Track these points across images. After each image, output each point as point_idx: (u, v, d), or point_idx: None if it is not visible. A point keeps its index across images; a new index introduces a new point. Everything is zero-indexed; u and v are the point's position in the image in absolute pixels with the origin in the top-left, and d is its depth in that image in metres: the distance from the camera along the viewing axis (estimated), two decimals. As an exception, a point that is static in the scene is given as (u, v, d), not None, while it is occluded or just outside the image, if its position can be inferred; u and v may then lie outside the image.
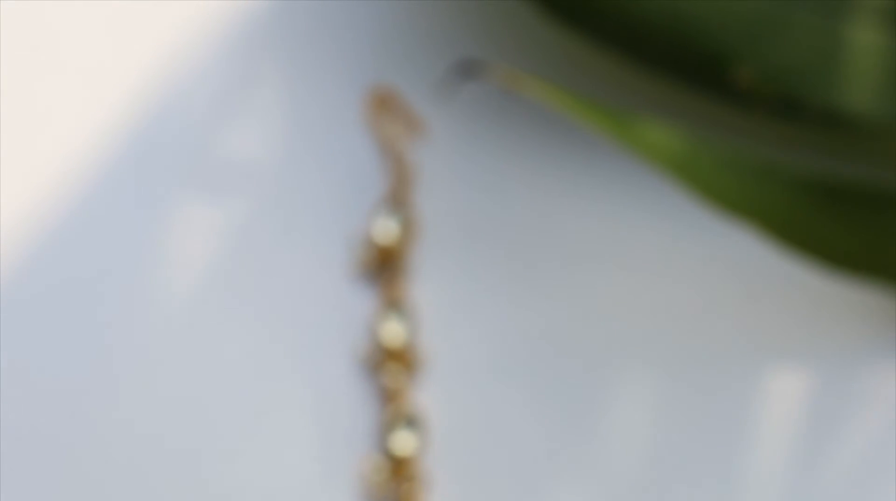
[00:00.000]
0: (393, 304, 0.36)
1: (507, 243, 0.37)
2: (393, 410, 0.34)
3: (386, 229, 0.36)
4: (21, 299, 0.37)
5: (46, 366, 0.36)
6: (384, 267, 0.36)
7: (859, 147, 0.38)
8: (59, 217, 0.37)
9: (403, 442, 0.34)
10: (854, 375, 0.38)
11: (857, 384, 0.37)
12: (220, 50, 0.39)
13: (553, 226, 0.38)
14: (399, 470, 0.34)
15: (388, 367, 0.35)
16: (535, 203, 0.38)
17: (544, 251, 0.38)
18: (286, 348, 0.36)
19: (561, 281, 0.37)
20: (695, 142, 0.33)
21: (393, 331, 0.35)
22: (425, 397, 0.36)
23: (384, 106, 0.37)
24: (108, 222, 0.37)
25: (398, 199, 0.36)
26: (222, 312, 0.36)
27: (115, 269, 0.37)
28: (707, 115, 0.39)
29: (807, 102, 0.36)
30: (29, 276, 0.37)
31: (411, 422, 0.34)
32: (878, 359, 0.38)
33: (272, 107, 0.38)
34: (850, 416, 0.37)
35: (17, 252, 0.37)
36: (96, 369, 0.36)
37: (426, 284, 0.37)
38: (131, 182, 0.38)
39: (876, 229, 0.35)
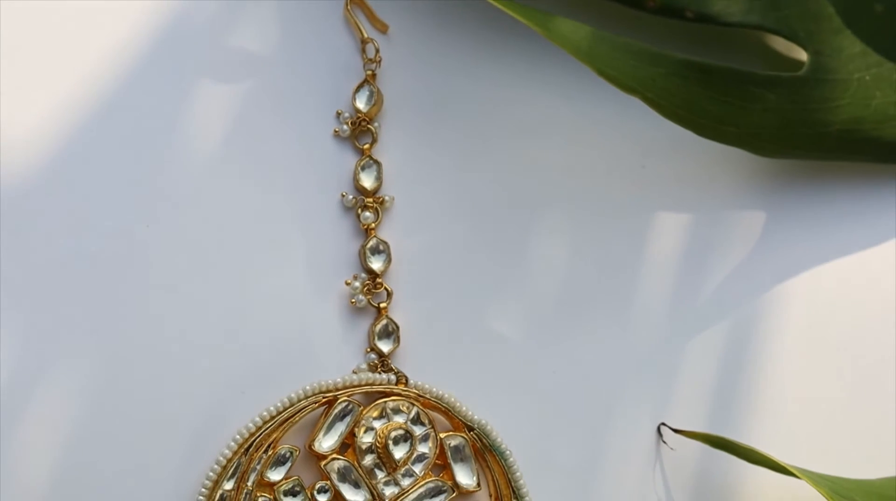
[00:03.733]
0: (366, 158, 0.41)
1: (457, 114, 0.42)
2: (367, 242, 0.40)
3: (362, 104, 0.41)
4: (77, 161, 0.40)
5: (94, 212, 0.40)
6: (361, 133, 0.42)
7: (723, 40, 0.43)
8: (106, 95, 0.41)
9: (375, 265, 0.40)
10: (724, 216, 0.43)
11: (727, 224, 0.43)
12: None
13: (492, 102, 0.42)
14: (372, 285, 0.40)
15: (365, 209, 0.41)
16: (479, 85, 0.42)
17: (485, 122, 0.42)
18: (286, 195, 0.41)
19: (498, 145, 0.42)
20: (598, 33, 0.39)
21: (368, 182, 0.41)
22: (392, 232, 0.41)
23: (359, 9, 0.42)
24: (142, 100, 0.41)
25: (371, 81, 0.42)
26: (234, 170, 0.41)
27: (148, 137, 0.41)
28: (615, 16, 0.43)
29: (687, 8, 0.42)
30: (77, 143, 0.41)
31: (381, 250, 0.41)
32: (742, 204, 0.43)
33: (274, 10, 0.42)
34: (721, 249, 0.43)
35: (66, 124, 0.41)
36: (135, 212, 0.40)
37: (393, 146, 0.42)
38: (160, 70, 0.41)
39: (735, 101, 0.41)
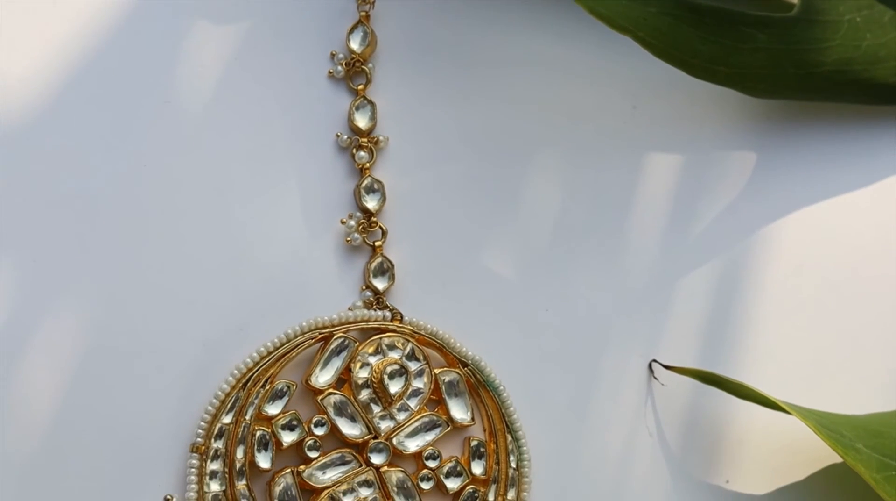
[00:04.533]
0: (360, 98, 0.42)
1: (451, 55, 0.43)
2: (362, 181, 0.41)
3: (357, 45, 0.42)
4: (74, 102, 0.41)
5: (91, 152, 0.40)
6: (355, 74, 0.42)
7: None
8: (102, 36, 0.41)
9: (370, 204, 0.41)
10: (714, 157, 0.44)
11: (717, 164, 0.44)
12: None
13: (486, 43, 0.43)
14: (367, 224, 0.41)
15: (359, 149, 0.41)
16: (473, 26, 0.43)
17: (479, 63, 0.43)
18: (281, 136, 0.41)
19: (491, 86, 0.43)
20: None
21: (363, 122, 0.41)
22: (386, 172, 0.42)
23: None
24: (138, 41, 0.41)
25: (365, 22, 0.42)
26: (229, 111, 0.41)
27: (143, 78, 0.41)
28: None
29: None
30: (79, 86, 0.41)
31: (375, 189, 0.41)
32: (732, 144, 0.44)
33: None
34: (711, 189, 0.43)
35: (63, 65, 0.41)
36: (131, 153, 0.41)
37: (387, 87, 0.42)
38: (156, 12, 0.42)
39: (726, 41, 0.41)
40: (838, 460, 0.42)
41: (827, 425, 0.39)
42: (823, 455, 0.42)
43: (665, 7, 0.40)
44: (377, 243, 0.41)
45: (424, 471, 0.39)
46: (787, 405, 0.39)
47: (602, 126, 0.43)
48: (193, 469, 0.38)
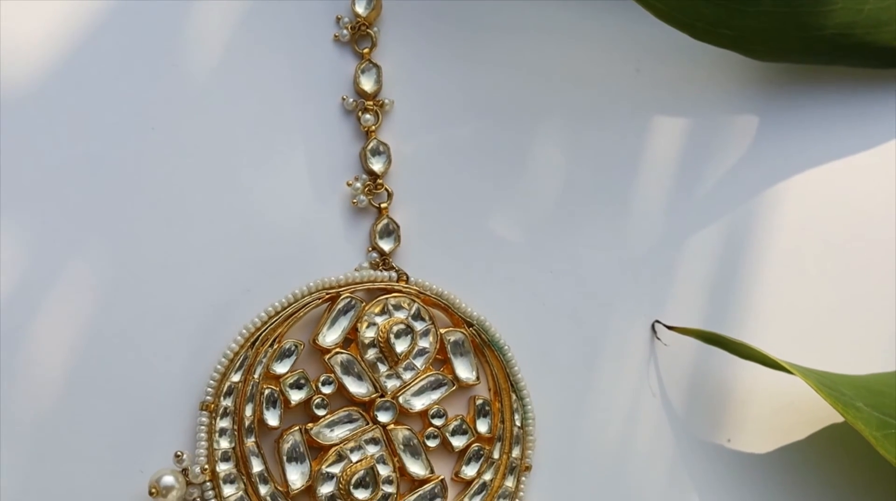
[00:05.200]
0: (365, 61, 0.42)
1: (455, 19, 0.43)
2: (368, 144, 0.41)
3: (362, 8, 0.42)
4: (82, 66, 0.41)
5: (100, 117, 0.41)
6: (361, 38, 0.42)
7: None
8: (110, 2, 0.43)
9: (376, 166, 0.41)
10: (718, 120, 0.44)
11: (721, 127, 0.44)
12: None
13: (491, 8, 0.43)
14: (373, 186, 0.41)
15: (365, 112, 0.42)
16: None
17: (484, 28, 0.43)
18: (288, 100, 0.42)
19: (496, 51, 0.43)
20: None
21: (368, 85, 0.42)
22: (391, 134, 0.43)
23: None
24: (146, 8, 0.42)
25: None
26: (237, 75, 0.42)
27: (151, 44, 0.42)
28: None
29: None
30: (82, 51, 0.41)
31: (381, 152, 0.42)
32: (736, 108, 0.44)
33: None
34: (715, 152, 0.44)
35: (71, 30, 0.41)
36: (141, 117, 0.41)
37: (392, 50, 0.43)
38: None
39: (729, 3, 0.41)
40: (839, 419, 0.42)
41: (828, 384, 0.40)
42: (824, 414, 0.42)
43: (668, -30, 0.41)
44: (383, 205, 0.41)
45: (430, 429, 0.40)
46: (788, 364, 0.39)
47: (606, 90, 0.44)
48: (203, 427, 0.38)
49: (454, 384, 0.40)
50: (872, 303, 0.44)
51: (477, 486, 0.40)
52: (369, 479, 0.39)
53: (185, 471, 0.38)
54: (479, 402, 0.40)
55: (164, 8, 0.42)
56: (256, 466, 0.39)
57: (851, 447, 0.42)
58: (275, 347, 0.39)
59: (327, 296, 0.40)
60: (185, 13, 0.42)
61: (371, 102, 0.42)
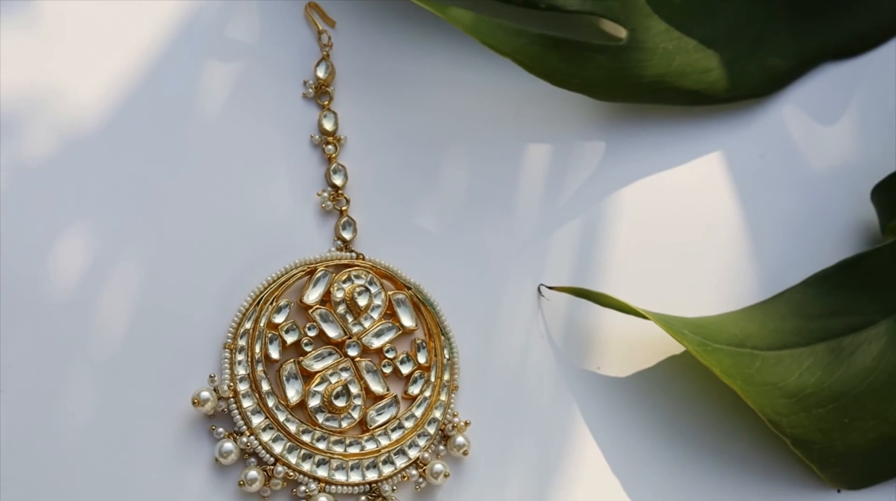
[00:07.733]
0: (326, 110, 0.49)
1: (388, 78, 0.50)
2: (331, 166, 0.49)
3: (322, 73, 0.50)
4: (129, 121, 0.47)
5: (142, 146, 0.47)
6: (321, 94, 0.50)
7: (567, 21, 0.52)
8: (150, 74, 0.49)
9: (337, 181, 0.49)
10: (576, 145, 0.51)
11: (578, 150, 0.51)
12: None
13: (412, 70, 0.51)
14: (335, 195, 0.48)
15: (327, 145, 0.49)
16: (403, 58, 0.51)
17: (407, 83, 0.50)
18: (273, 137, 0.48)
19: (417, 99, 0.50)
20: (480, 16, 0.47)
21: (329, 126, 0.49)
22: (347, 159, 0.49)
23: (314, 10, 0.50)
24: (162, 83, 0.48)
25: (326, 59, 0.50)
26: (234, 120, 0.48)
27: (167, 104, 0.48)
28: (492, 7, 0.51)
29: (541, 1, 0.50)
30: (130, 112, 0.47)
31: (340, 171, 0.49)
32: (588, 135, 0.51)
33: (255, 11, 0.50)
34: (574, 168, 0.51)
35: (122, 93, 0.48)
36: (171, 147, 0.47)
37: (345, 102, 0.50)
38: (173, 56, 0.49)
39: (577, 61, 0.49)
40: (679, 350, 0.48)
41: (672, 324, 0.46)
42: (668, 347, 0.48)
43: (534, 39, 0.48)
44: (343, 209, 0.48)
45: (385, 361, 0.47)
46: (642, 310, 0.45)
47: (495, 125, 0.50)
48: (226, 360, 0.46)
49: (400, 330, 0.47)
50: (697, 264, 0.50)
51: (420, 400, 0.48)
52: (344, 393, 0.46)
53: (216, 389, 0.46)
54: (418, 341, 0.48)
55: (178, 79, 0.48)
56: (265, 386, 0.46)
57: (688, 369, 0.48)
58: (273, 304, 0.46)
59: (308, 269, 0.47)
60: (195, 85, 0.48)
61: (331, 138, 0.49)
